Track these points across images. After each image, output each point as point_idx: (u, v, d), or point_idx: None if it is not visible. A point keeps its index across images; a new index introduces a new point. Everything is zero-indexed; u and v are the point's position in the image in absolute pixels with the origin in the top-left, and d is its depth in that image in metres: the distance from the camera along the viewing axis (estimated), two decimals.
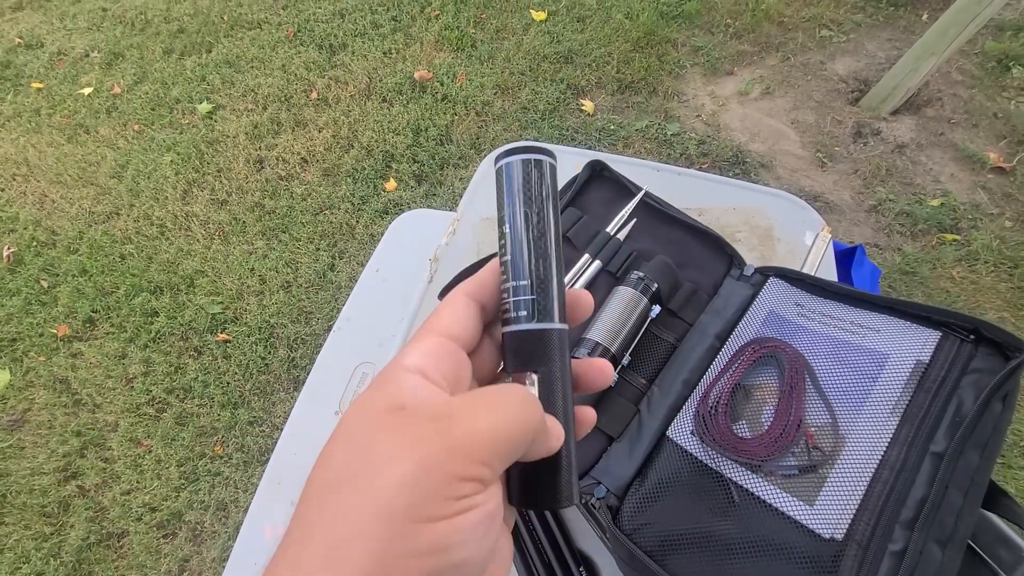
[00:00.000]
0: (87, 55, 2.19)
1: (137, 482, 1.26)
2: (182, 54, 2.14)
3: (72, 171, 1.81)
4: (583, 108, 1.81)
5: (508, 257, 0.21)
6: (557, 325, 0.21)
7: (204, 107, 1.93)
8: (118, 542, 1.20)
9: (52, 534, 1.21)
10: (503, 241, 0.22)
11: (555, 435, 0.19)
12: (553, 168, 0.22)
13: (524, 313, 0.21)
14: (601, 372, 0.23)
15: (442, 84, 1.88)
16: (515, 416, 0.17)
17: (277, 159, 1.77)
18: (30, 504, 1.24)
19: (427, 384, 0.18)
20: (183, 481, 1.26)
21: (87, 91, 2.05)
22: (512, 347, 0.21)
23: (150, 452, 1.29)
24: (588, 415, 0.23)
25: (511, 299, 0.21)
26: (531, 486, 0.21)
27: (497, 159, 0.22)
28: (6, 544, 1.20)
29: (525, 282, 0.21)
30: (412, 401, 0.18)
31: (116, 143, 1.89)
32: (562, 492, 0.20)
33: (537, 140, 1.72)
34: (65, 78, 2.10)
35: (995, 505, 0.40)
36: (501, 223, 0.22)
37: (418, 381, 0.18)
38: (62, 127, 1.95)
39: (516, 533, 0.56)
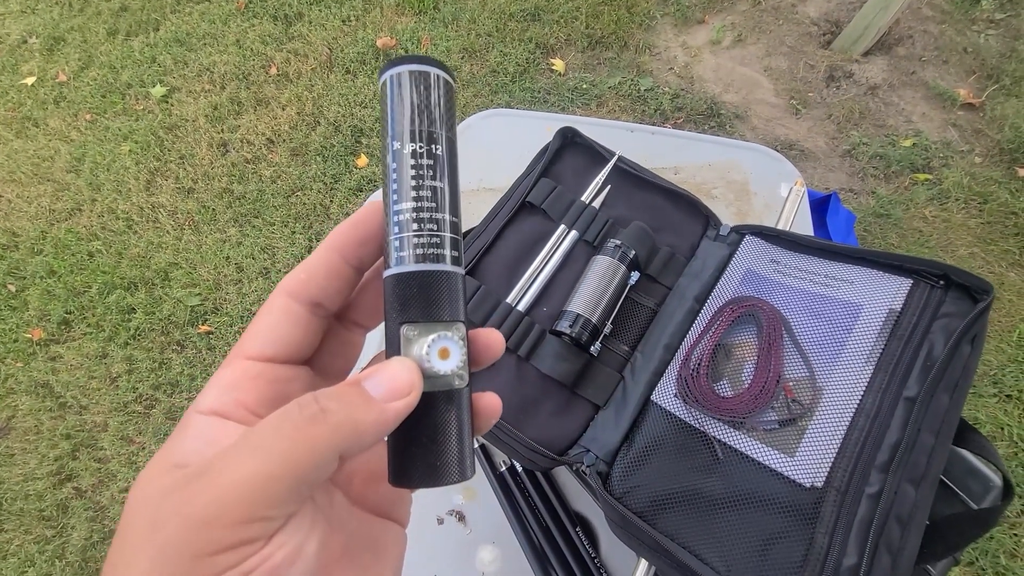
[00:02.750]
0: (25, 41, 2.05)
1: (133, 479, 1.26)
2: (128, 34, 2.02)
3: (25, 168, 1.73)
4: (554, 68, 1.76)
5: (396, 185, 0.18)
6: (450, 268, 0.18)
7: (158, 90, 1.84)
8: None
9: (54, 536, 1.21)
10: (394, 165, 0.18)
11: (396, 397, 0.16)
12: (449, 85, 0.19)
13: (407, 253, 0.18)
14: (487, 347, 0.19)
15: (406, 51, 1.81)
16: (283, 451, 0.14)
17: (241, 141, 1.70)
18: (27, 509, 1.24)
19: (220, 428, 0.16)
20: None
21: (30, 81, 1.93)
22: (392, 295, 0.18)
23: (143, 449, 1.29)
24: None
25: (392, 237, 0.18)
26: (400, 462, 0.18)
27: (381, 71, 0.19)
28: (8, 550, 1.20)
29: (403, 217, 0.18)
30: (192, 456, 0.15)
31: (69, 135, 1.80)
32: (437, 465, 0.17)
33: (509, 103, 1.68)
34: (4, 68, 1.98)
35: (965, 441, 0.42)
36: (388, 145, 0.18)
37: (207, 428, 0.16)
38: (8, 121, 1.85)
39: (511, 497, 0.58)
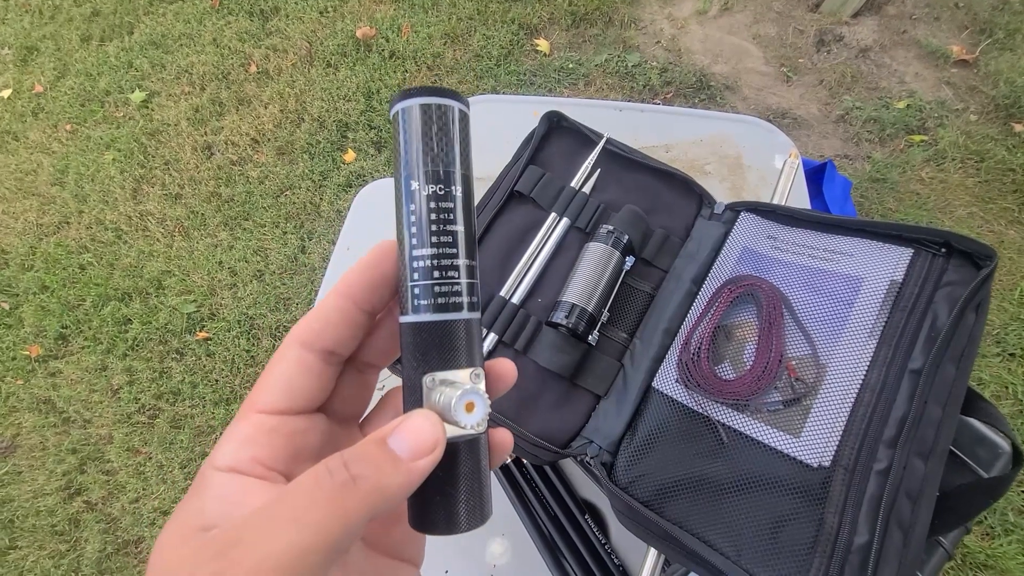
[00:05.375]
0: None
1: (143, 489, 1.26)
2: (102, 40, 1.97)
3: (8, 183, 1.71)
4: (538, 48, 1.72)
5: (414, 228, 0.18)
6: (468, 315, 0.18)
7: (137, 96, 1.80)
8: (136, 548, 1.22)
9: (68, 551, 1.22)
10: (412, 207, 0.18)
11: (421, 455, 0.16)
12: (465, 117, 0.19)
13: (428, 302, 0.18)
14: (499, 378, 0.20)
15: (387, 40, 1.77)
16: (317, 523, 0.14)
17: (226, 143, 1.68)
18: (40, 526, 1.24)
19: (240, 486, 0.16)
20: (189, 481, 1.26)
21: (6, 94, 1.90)
22: (412, 343, 0.18)
23: (150, 459, 1.29)
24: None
25: (411, 283, 0.18)
26: (423, 509, 0.18)
27: (393, 102, 0.18)
28: (24, 566, 1.21)
29: (425, 263, 0.18)
30: (216, 518, 0.15)
31: (50, 147, 1.77)
32: (459, 514, 0.18)
33: (495, 88, 1.65)
34: None
35: (972, 410, 0.41)
36: (403, 184, 0.18)
37: (227, 486, 0.16)
38: None
39: (518, 489, 0.57)
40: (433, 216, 0.17)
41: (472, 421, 0.17)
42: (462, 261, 0.18)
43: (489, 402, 0.18)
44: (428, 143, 0.18)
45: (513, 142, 0.58)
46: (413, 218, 0.18)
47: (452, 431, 0.17)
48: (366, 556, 0.19)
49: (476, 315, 0.19)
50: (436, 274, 0.18)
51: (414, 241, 0.18)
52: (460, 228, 0.18)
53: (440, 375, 0.18)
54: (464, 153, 0.18)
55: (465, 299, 0.18)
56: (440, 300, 0.18)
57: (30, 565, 1.21)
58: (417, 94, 0.18)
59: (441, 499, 0.18)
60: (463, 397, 0.17)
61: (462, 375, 0.18)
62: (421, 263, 0.18)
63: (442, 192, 0.18)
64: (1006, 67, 1.50)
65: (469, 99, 0.84)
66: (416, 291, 0.18)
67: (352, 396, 0.21)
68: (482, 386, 0.18)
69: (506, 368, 0.20)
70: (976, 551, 1.00)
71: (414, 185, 0.17)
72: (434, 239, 0.17)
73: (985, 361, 1.20)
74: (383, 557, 0.19)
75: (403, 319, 0.18)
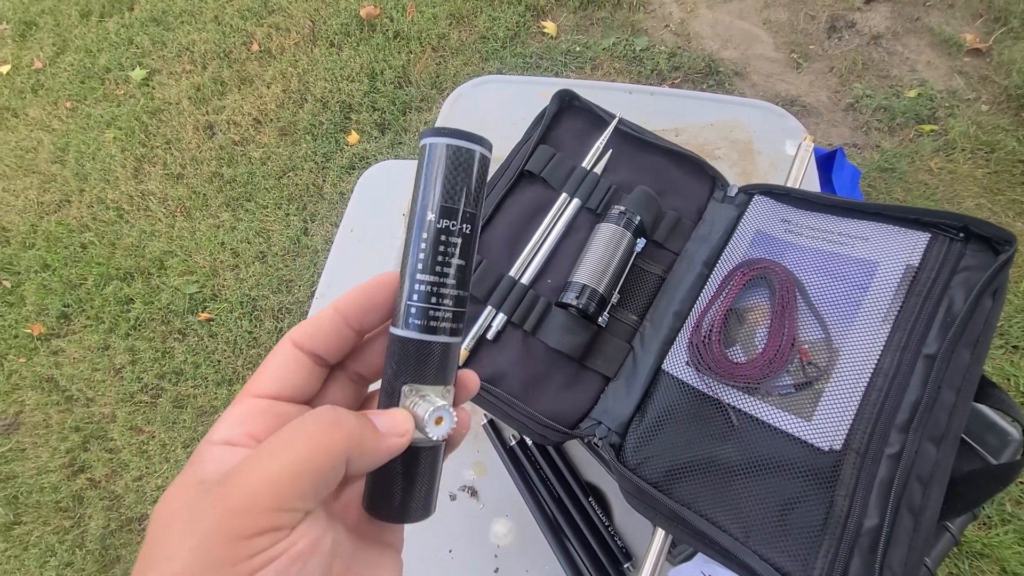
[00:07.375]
0: None
1: (146, 468, 1.27)
2: (102, 15, 1.94)
3: (8, 161, 1.69)
4: (545, 31, 1.70)
5: (422, 255, 0.19)
6: (452, 340, 0.20)
7: (138, 73, 1.78)
8: (139, 525, 1.23)
9: (72, 527, 1.23)
10: (424, 235, 0.19)
11: (394, 434, 0.18)
12: (486, 163, 0.20)
13: (420, 322, 0.19)
14: (463, 386, 0.22)
15: (392, 20, 1.74)
16: (307, 449, 0.16)
17: (228, 123, 1.66)
18: (44, 502, 1.25)
19: (234, 454, 0.18)
20: None
21: (5, 69, 1.87)
22: (398, 353, 0.20)
23: (153, 438, 1.29)
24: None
25: (409, 302, 0.19)
26: (379, 495, 0.20)
27: (423, 135, 0.20)
28: (29, 541, 1.22)
29: (425, 288, 0.19)
30: (212, 473, 0.17)
31: (50, 124, 1.75)
32: (410, 507, 0.20)
33: (500, 70, 1.63)
34: None
35: (983, 396, 0.41)
36: (419, 212, 0.19)
37: (222, 451, 0.18)
38: None
39: (523, 471, 0.58)
40: (441, 248, 0.19)
41: (439, 433, 0.19)
42: (457, 292, 0.20)
43: (455, 420, 0.20)
44: (448, 181, 0.19)
45: (520, 124, 0.57)
46: (423, 245, 0.19)
47: (419, 437, 0.19)
48: (350, 538, 0.20)
49: (458, 340, 0.21)
50: (433, 300, 0.19)
51: (420, 266, 0.19)
52: (462, 262, 0.20)
53: (417, 387, 0.20)
54: (478, 196, 0.20)
55: (452, 325, 0.20)
56: (431, 323, 0.19)
57: (35, 540, 1.22)
58: (447, 134, 0.19)
59: (397, 491, 0.20)
60: (435, 412, 0.19)
61: (436, 390, 0.20)
62: (422, 287, 0.19)
63: (453, 228, 0.19)
64: (1020, 56, 1.48)
65: (474, 80, 0.83)
66: (412, 311, 0.19)
67: (342, 401, 0.22)
68: (450, 401, 0.20)
69: (469, 378, 0.22)
70: (973, 540, 1.01)
71: (429, 216, 0.19)
72: (437, 268, 0.19)
73: (988, 353, 1.20)
74: (367, 542, 0.21)
75: (395, 331, 0.20)
